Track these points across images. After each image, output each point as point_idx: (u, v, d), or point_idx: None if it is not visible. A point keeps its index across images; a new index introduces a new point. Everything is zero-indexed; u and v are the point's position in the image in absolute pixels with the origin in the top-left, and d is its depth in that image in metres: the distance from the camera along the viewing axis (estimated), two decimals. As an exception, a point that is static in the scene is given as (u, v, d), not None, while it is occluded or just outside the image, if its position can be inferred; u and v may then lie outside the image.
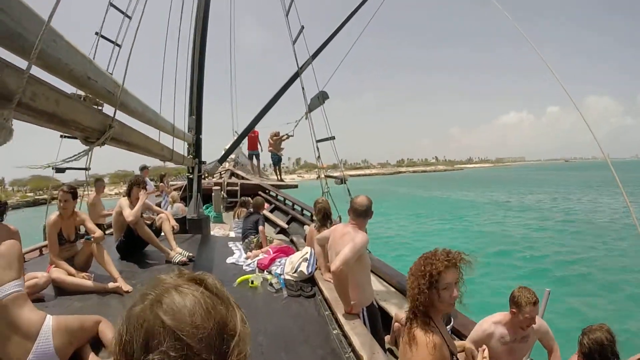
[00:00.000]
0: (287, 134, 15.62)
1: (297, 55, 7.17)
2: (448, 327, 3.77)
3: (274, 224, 9.74)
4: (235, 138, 10.32)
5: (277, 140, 15.94)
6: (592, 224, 22.49)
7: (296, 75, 7.51)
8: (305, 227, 6.61)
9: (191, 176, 8.53)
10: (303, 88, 7.18)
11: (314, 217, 5.93)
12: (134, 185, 5.84)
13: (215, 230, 8.63)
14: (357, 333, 3.27)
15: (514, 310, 3.25)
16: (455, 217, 26.34)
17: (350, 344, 3.20)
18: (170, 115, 6.24)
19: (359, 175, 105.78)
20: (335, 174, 7.06)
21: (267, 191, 13.18)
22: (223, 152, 10.61)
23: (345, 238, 3.76)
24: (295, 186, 15.69)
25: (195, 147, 8.35)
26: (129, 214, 5.52)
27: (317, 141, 6.81)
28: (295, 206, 10.59)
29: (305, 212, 9.68)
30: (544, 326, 3.54)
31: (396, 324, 4.10)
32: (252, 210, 7.17)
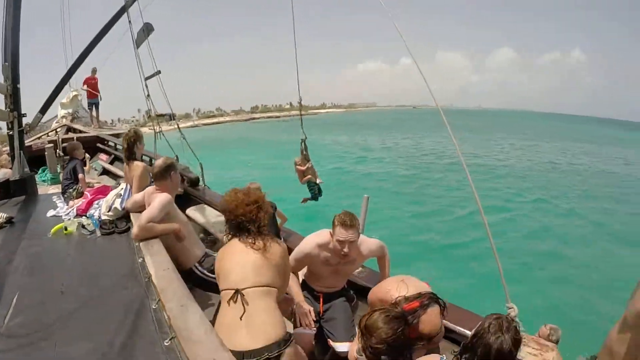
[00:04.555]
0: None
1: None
2: None
3: (114, 176, 9.16)
4: (57, 84, 9.34)
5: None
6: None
7: (123, 10, 7.04)
8: None
9: (11, 132, 7.64)
10: (130, 22, 6.87)
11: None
12: None
13: (53, 191, 7.89)
14: (155, 260, 3.33)
15: (330, 231, 3.24)
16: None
17: (147, 271, 3.26)
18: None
19: (212, 123, 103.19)
20: (164, 113, 6.85)
21: (106, 142, 12.33)
22: (59, 107, 9.64)
23: (152, 198, 3.92)
24: None
25: (13, 99, 7.44)
26: None
27: (145, 78, 6.51)
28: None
29: (144, 158, 9.15)
30: (370, 246, 3.52)
31: None
32: (68, 157, 6.65)
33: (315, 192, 5.60)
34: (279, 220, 5.27)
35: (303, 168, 5.41)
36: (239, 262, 2.59)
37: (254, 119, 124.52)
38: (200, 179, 6.68)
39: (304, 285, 3.64)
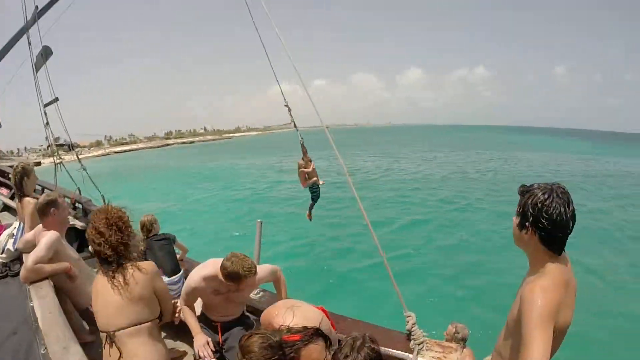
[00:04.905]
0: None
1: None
2: None
3: (15, 212, 8.50)
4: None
5: None
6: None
7: (22, 31, 6.68)
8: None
9: None
10: (30, 44, 6.54)
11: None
12: None
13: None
14: (42, 303, 3.19)
15: (232, 283, 3.07)
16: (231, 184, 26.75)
17: (36, 314, 3.10)
18: None
19: (125, 150, 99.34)
20: (63, 142, 6.52)
21: (6, 174, 11.35)
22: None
23: (40, 237, 3.66)
24: (37, 164, 14.03)
25: None
26: None
27: (45, 105, 6.13)
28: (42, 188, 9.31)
29: (46, 192, 8.59)
30: (260, 272, 3.35)
31: None
32: None
33: (317, 194, 5.70)
34: (178, 252, 5.20)
35: (309, 169, 5.66)
36: (103, 303, 2.48)
37: (168, 145, 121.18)
38: (103, 212, 6.28)
39: (202, 316, 3.58)
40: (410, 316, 2.96)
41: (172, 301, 3.12)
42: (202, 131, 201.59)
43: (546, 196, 1.82)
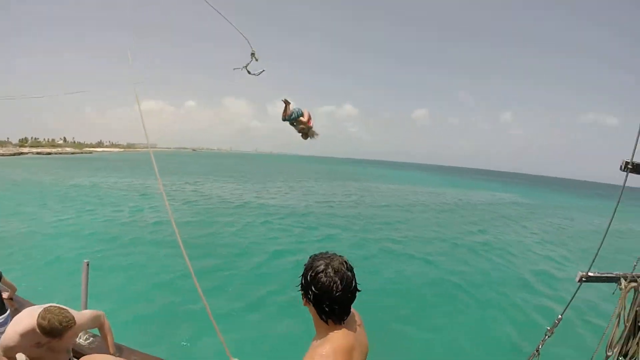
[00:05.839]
0: None
1: None
2: None
3: None
4: None
5: None
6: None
7: None
8: None
9: None
10: None
11: None
12: None
13: None
14: None
15: (52, 339, 3.00)
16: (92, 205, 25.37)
17: None
18: None
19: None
20: None
21: None
22: None
23: None
24: None
25: None
26: None
27: None
28: None
29: None
30: (81, 319, 3.27)
31: None
32: None
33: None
34: (5, 291, 5.05)
35: (305, 119, 4.57)
36: None
37: (22, 153, 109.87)
38: None
39: None
40: None
41: None
42: (61, 142, 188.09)
43: (321, 268, 1.80)
